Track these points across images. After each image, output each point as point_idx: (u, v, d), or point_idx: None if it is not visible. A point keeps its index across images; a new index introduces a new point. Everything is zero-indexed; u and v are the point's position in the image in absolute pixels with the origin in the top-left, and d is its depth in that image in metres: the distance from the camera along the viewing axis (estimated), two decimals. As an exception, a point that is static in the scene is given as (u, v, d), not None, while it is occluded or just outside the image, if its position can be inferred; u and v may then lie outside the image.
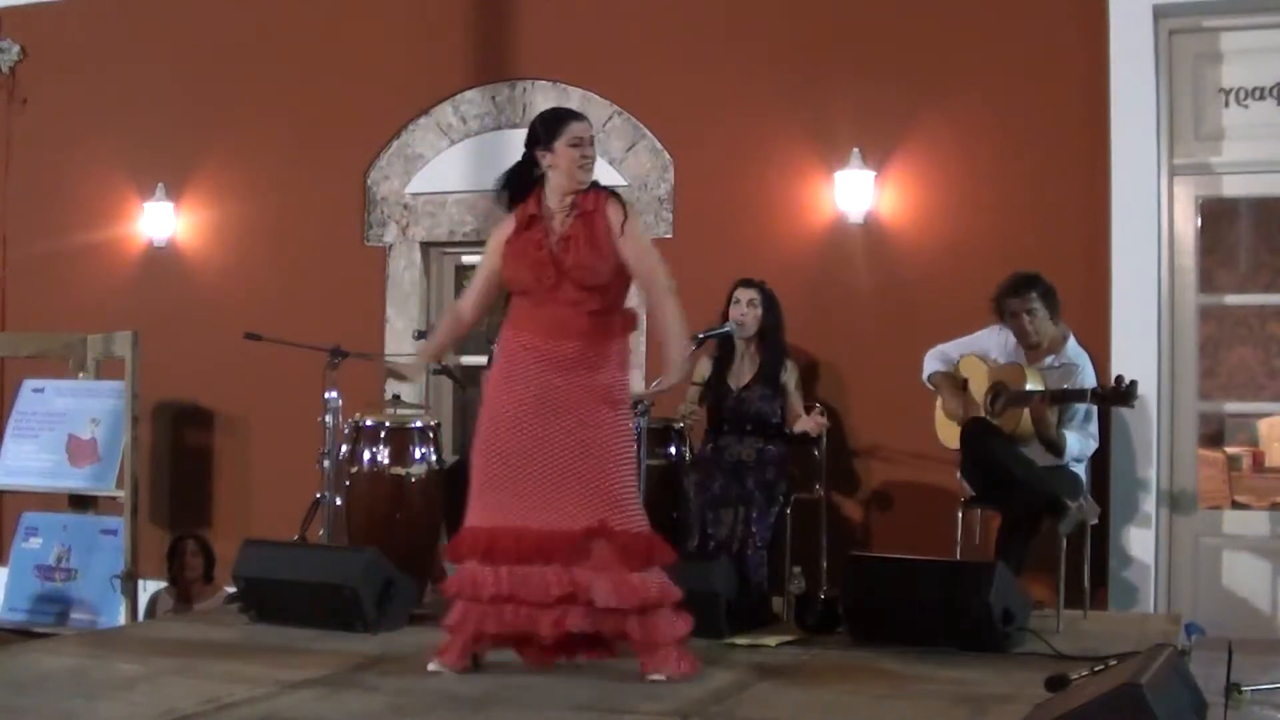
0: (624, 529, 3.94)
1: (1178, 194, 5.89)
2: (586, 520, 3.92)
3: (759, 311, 5.46)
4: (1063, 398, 5.01)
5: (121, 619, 5.97)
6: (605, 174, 6.23)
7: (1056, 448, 5.04)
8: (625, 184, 6.42)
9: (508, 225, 4.16)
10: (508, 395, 4.05)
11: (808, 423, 5.47)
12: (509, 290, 4.18)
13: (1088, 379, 5.18)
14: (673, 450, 5.51)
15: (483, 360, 6.21)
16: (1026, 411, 5.07)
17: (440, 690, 3.85)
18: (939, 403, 5.44)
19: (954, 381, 5.38)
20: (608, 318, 4.07)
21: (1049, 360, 5.25)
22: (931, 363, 5.46)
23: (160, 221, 7.31)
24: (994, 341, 5.37)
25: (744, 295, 5.55)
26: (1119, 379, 4.89)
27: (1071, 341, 5.31)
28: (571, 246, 4.01)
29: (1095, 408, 5.14)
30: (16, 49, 7.70)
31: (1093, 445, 5.23)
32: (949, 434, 5.38)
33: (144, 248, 7.39)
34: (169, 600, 6.29)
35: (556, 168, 4.06)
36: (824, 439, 5.64)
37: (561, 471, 3.97)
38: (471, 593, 4.00)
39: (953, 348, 5.45)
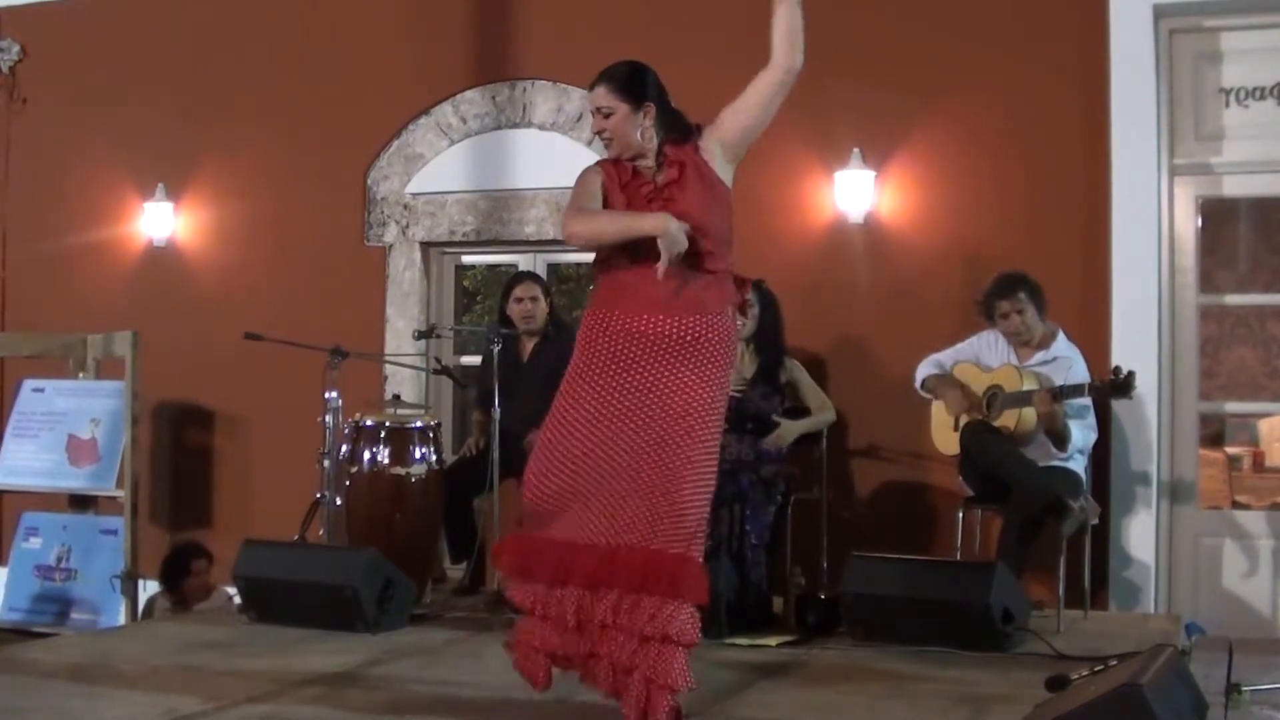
0: (682, 553, 3.38)
1: (1178, 194, 5.89)
2: (642, 539, 3.40)
3: (756, 311, 5.46)
4: (1062, 394, 5.02)
5: (121, 619, 5.96)
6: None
7: (1063, 440, 5.05)
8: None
9: (593, 176, 3.61)
10: (587, 390, 3.51)
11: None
12: (601, 254, 3.59)
13: (1081, 372, 5.20)
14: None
15: (477, 360, 6.23)
16: (1022, 412, 5.09)
17: (441, 691, 3.85)
18: (935, 408, 5.43)
19: (951, 380, 5.38)
20: (717, 287, 3.53)
21: (1039, 357, 5.27)
22: (925, 369, 5.46)
23: (160, 221, 7.31)
24: (986, 346, 5.38)
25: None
26: (1116, 369, 4.90)
27: (1061, 336, 5.32)
28: (674, 193, 3.50)
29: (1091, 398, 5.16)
30: (16, 49, 7.70)
31: (1093, 436, 5.25)
32: (946, 440, 5.38)
33: (144, 248, 7.40)
34: (166, 603, 6.28)
35: None
36: (824, 439, 5.65)
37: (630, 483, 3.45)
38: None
39: (945, 356, 5.45)
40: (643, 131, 3.58)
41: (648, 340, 3.47)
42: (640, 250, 3.46)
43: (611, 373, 3.49)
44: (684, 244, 3.38)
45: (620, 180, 3.59)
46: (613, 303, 3.53)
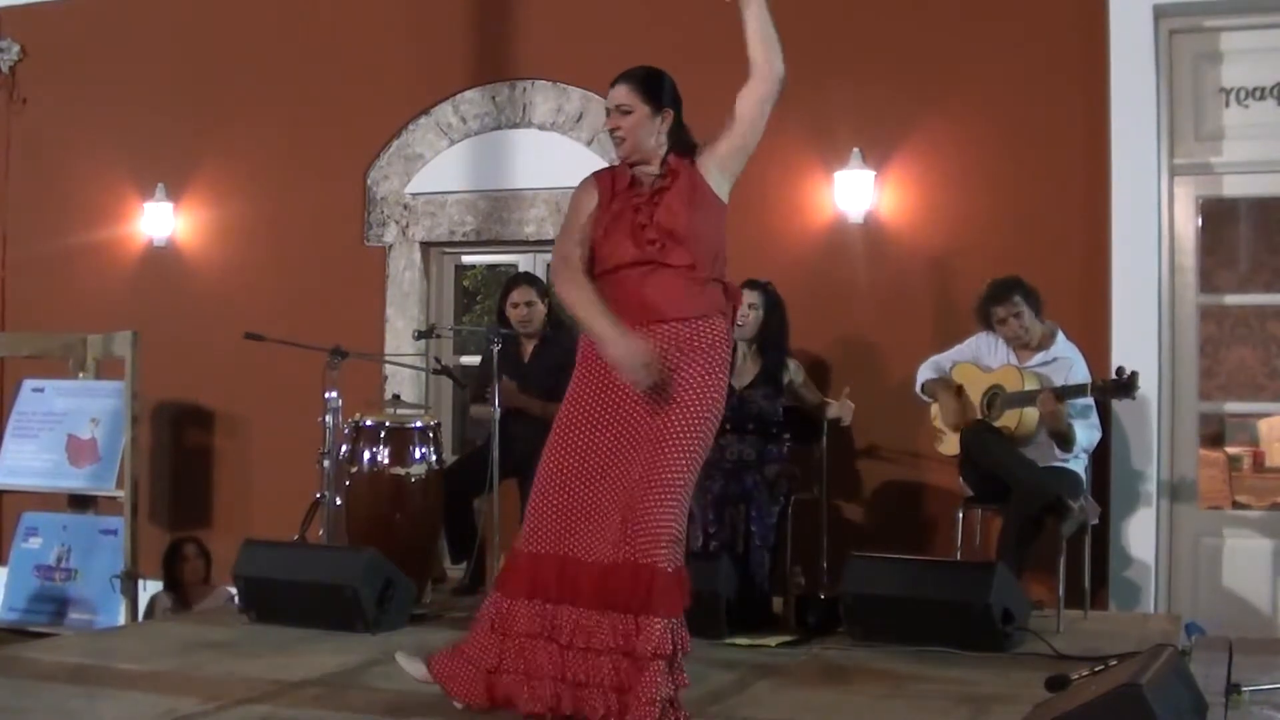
0: (652, 564, 3.36)
1: (1178, 194, 5.89)
2: (621, 554, 3.41)
3: (760, 313, 5.46)
4: (1064, 394, 5.02)
5: (121, 619, 5.97)
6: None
7: (1068, 441, 5.05)
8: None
9: (587, 195, 3.63)
10: (576, 407, 3.55)
11: (842, 409, 5.47)
12: (598, 270, 3.59)
13: (1081, 371, 5.20)
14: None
15: (477, 360, 6.22)
16: (1023, 412, 5.09)
17: (440, 691, 3.85)
18: (934, 411, 5.44)
19: (949, 388, 5.39)
20: (705, 293, 3.55)
21: (1039, 357, 5.27)
22: (925, 372, 5.46)
23: (160, 221, 7.32)
24: (985, 347, 5.38)
25: (746, 297, 5.54)
26: (1119, 370, 4.91)
27: (1060, 336, 5.32)
28: (662, 199, 3.52)
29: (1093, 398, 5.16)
30: (16, 49, 7.70)
31: (1097, 435, 5.25)
32: (946, 443, 5.39)
33: (144, 248, 7.40)
34: (167, 601, 6.29)
35: None
36: (824, 439, 5.65)
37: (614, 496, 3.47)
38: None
39: (945, 357, 5.46)
40: (656, 137, 3.58)
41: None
42: (620, 263, 3.51)
43: (596, 387, 3.53)
44: (641, 374, 3.39)
45: (614, 189, 3.60)
46: None
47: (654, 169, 3.59)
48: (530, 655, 3.46)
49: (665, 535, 3.37)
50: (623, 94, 3.57)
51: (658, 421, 3.45)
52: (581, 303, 3.53)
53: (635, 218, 3.53)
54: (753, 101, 3.59)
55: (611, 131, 3.61)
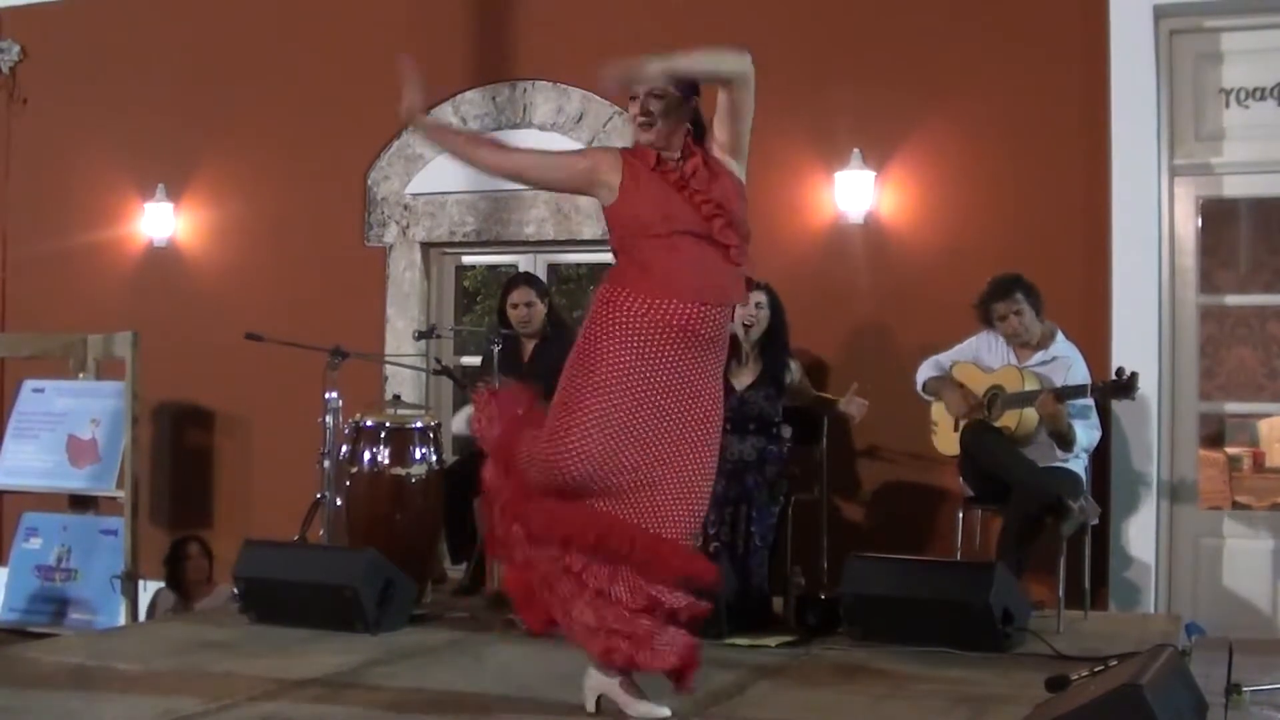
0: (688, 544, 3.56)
1: (1178, 194, 5.89)
2: (662, 526, 3.48)
3: (767, 313, 5.46)
4: (1064, 395, 5.02)
5: (121, 619, 5.97)
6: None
7: (1067, 441, 5.05)
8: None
9: (605, 153, 3.68)
10: (639, 374, 3.47)
11: (849, 404, 5.43)
12: (653, 231, 3.53)
13: (1081, 371, 5.20)
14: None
15: (478, 360, 6.22)
16: (1023, 412, 5.09)
17: (441, 691, 3.86)
18: (936, 409, 5.44)
19: (952, 382, 5.39)
20: (741, 279, 3.62)
21: (1039, 356, 5.27)
22: (926, 371, 5.46)
23: (160, 221, 7.31)
24: (985, 347, 5.38)
25: (752, 298, 5.54)
26: (1119, 371, 4.91)
27: (1060, 336, 5.32)
28: (701, 184, 3.52)
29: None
30: (16, 49, 7.70)
31: (1097, 435, 5.25)
32: (947, 442, 5.39)
33: (144, 248, 7.40)
34: (170, 598, 6.29)
35: None
36: (824, 439, 5.65)
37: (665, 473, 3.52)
38: None
39: (945, 357, 5.46)
40: (682, 124, 3.58)
41: (693, 331, 3.47)
42: (679, 228, 3.48)
43: (662, 360, 3.47)
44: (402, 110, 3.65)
45: (647, 164, 3.55)
46: (655, 287, 3.48)
47: (674, 154, 3.57)
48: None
49: (702, 517, 3.62)
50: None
51: (704, 410, 3.52)
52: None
53: (684, 192, 3.51)
54: (729, 104, 3.56)
55: (641, 115, 3.55)
